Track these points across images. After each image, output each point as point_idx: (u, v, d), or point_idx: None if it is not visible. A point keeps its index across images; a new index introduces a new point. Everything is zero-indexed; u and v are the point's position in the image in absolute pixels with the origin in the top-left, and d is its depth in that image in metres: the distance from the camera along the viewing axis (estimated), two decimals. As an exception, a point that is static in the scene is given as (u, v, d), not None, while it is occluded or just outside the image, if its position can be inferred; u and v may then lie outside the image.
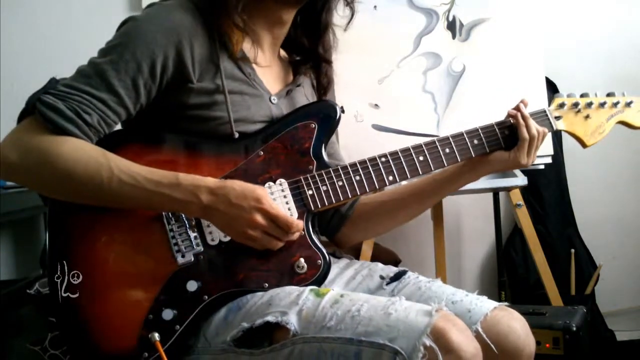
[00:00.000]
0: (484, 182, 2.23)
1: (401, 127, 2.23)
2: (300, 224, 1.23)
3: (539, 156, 2.21)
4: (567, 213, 2.68)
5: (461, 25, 2.29)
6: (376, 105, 2.26)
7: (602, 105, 1.47)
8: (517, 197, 2.23)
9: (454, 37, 2.29)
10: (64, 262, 1.22)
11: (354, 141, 2.11)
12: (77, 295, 1.21)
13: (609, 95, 1.48)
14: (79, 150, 1.16)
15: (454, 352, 1.04)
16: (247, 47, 1.33)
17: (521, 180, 2.14)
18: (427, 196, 1.47)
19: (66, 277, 1.21)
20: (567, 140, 2.63)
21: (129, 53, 1.20)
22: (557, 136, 2.57)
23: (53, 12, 2.40)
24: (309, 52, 1.45)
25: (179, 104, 1.26)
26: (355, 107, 2.25)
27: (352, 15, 1.44)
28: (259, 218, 1.17)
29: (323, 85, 1.47)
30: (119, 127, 1.33)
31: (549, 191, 2.66)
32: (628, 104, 1.48)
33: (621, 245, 2.69)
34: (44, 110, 1.16)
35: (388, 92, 2.26)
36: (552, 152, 2.21)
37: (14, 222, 2.16)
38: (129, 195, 1.18)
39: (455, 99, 2.26)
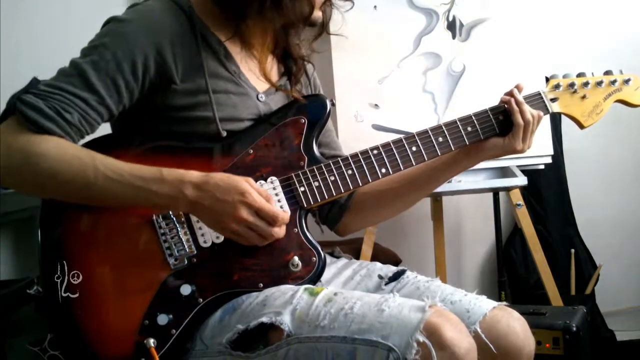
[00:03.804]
0: (484, 182, 2.23)
1: (401, 127, 2.23)
2: (287, 215, 1.22)
3: (538, 156, 2.22)
4: (567, 213, 2.68)
5: (461, 25, 2.29)
6: (376, 105, 2.26)
7: (599, 84, 1.43)
8: (517, 197, 2.23)
9: (454, 37, 2.29)
10: (64, 262, 1.22)
11: (354, 141, 2.10)
12: (77, 295, 1.21)
13: (606, 73, 1.45)
14: (63, 149, 1.16)
15: (448, 348, 1.04)
16: (232, 44, 1.33)
17: (521, 180, 2.14)
18: (425, 185, 1.46)
19: (66, 277, 1.21)
20: (567, 140, 2.63)
21: (110, 53, 1.20)
22: (557, 136, 2.57)
23: (53, 12, 2.39)
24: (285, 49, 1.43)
25: (165, 106, 1.26)
26: (355, 107, 2.26)
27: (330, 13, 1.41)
28: (243, 212, 1.16)
29: (299, 81, 1.44)
30: (108, 131, 1.33)
31: (549, 191, 2.66)
32: (626, 82, 1.45)
33: (621, 245, 2.68)
34: (24, 109, 1.15)
35: (388, 92, 2.26)
36: (552, 152, 2.22)
37: (14, 222, 2.15)
38: (115, 192, 1.17)
39: (455, 99, 2.27)
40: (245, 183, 1.18)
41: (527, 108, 1.36)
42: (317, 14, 1.33)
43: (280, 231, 1.21)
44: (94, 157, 1.17)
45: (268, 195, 1.21)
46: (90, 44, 1.23)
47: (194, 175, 1.17)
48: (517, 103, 1.36)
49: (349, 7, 1.43)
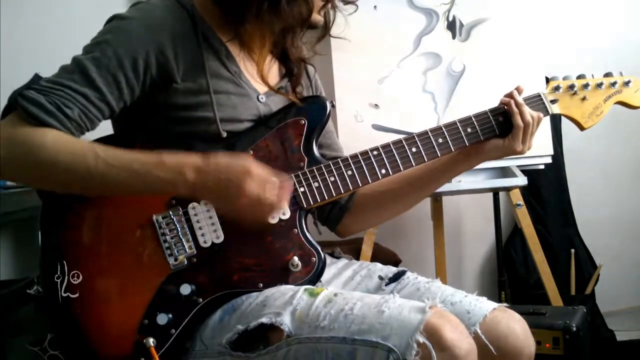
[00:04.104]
0: (484, 182, 2.23)
1: (401, 127, 2.23)
2: (289, 179, 1.23)
3: (539, 156, 2.22)
4: (567, 213, 2.68)
5: (461, 25, 2.29)
6: (376, 105, 2.26)
7: (599, 86, 1.44)
8: (517, 197, 2.23)
9: (454, 37, 2.29)
10: (64, 262, 1.22)
11: (354, 141, 2.11)
12: (77, 295, 1.21)
13: (606, 75, 1.45)
14: (62, 139, 1.16)
15: (448, 349, 1.04)
16: (233, 45, 1.33)
17: (521, 180, 2.14)
18: (424, 186, 1.46)
19: (66, 277, 1.22)
20: (567, 140, 2.63)
21: (111, 50, 1.20)
22: (557, 136, 2.57)
23: (53, 12, 2.39)
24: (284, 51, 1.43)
25: (166, 105, 1.26)
26: (355, 107, 2.26)
27: (334, 16, 1.41)
28: (251, 185, 1.16)
29: (299, 83, 1.44)
30: (109, 130, 1.33)
31: (549, 191, 2.66)
32: (626, 84, 1.45)
33: (621, 245, 2.68)
34: (25, 104, 1.15)
35: (388, 92, 2.27)
36: (552, 152, 2.22)
37: (14, 222, 2.15)
38: (117, 179, 1.16)
39: (455, 99, 2.27)
40: (245, 157, 1.19)
41: (526, 110, 1.36)
42: (316, 18, 1.32)
43: (285, 201, 1.21)
44: (93, 145, 1.18)
45: (266, 166, 1.21)
46: (93, 41, 1.24)
47: (195, 158, 1.17)
48: (517, 105, 1.36)
49: (352, 11, 1.43)
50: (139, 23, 1.23)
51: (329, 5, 1.34)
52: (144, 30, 1.22)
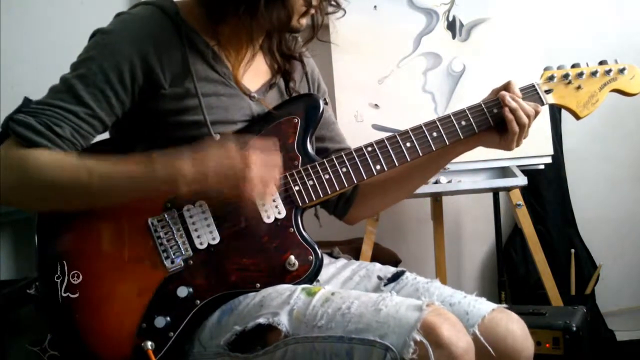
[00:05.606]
0: (484, 182, 2.23)
1: (401, 127, 2.21)
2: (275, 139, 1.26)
3: (539, 156, 2.22)
4: (567, 213, 2.67)
5: (461, 25, 2.29)
6: (376, 105, 2.26)
7: (593, 74, 1.42)
8: (517, 197, 2.22)
9: (454, 37, 2.29)
10: (64, 262, 1.23)
11: (354, 141, 2.10)
12: (77, 295, 1.22)
13: (600, 63, 1.44)
14: (54, 158, 1.18)
15: (445, 348, 1.03)
16: (220, 47, 1.33)
17: (521, 180, 2.13)
18: (425, 170, 1.47)
19: (66, 277, 1.22)
20: (567, 140, 2.63)
21: (97, 65, 1.21)
22: (557, 136, 2.57)
23: (53, 13, 2.40)
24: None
25: (156, 111, 1.27)
26: (355, 107, 2.26)
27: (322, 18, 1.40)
28: (250, 155, 1.17)
29: (292, 78, 1.44)
30: (106, 136, 1.33)
31: (549, 191, 2.65)
32: (621, 71, 1.43)
33: (621, 245, 2.68)
34: (16, 128, 1.18)
35: (388, 92, 2.26)
36: (552, 152, 2.22)
37: (14, 222, 2.16)
38: (113, 187, 1.18)
39: (455, 99, 2.26)
40: (229, 134, 1.22)
41: (521, 114, 1.34)
42: (297, 24, 1.31)
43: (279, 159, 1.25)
44: (84, 160, 1.19)
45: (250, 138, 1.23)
46: (79, 58, 1.25)
47: (187, 155, 1.18)
48: (512, 110, 1.34)
49: (340, 16, 1.42)
50: (121, 35, 1.24)
51: (313, 11, 1.32)
52: (127, 42, 1.23)
